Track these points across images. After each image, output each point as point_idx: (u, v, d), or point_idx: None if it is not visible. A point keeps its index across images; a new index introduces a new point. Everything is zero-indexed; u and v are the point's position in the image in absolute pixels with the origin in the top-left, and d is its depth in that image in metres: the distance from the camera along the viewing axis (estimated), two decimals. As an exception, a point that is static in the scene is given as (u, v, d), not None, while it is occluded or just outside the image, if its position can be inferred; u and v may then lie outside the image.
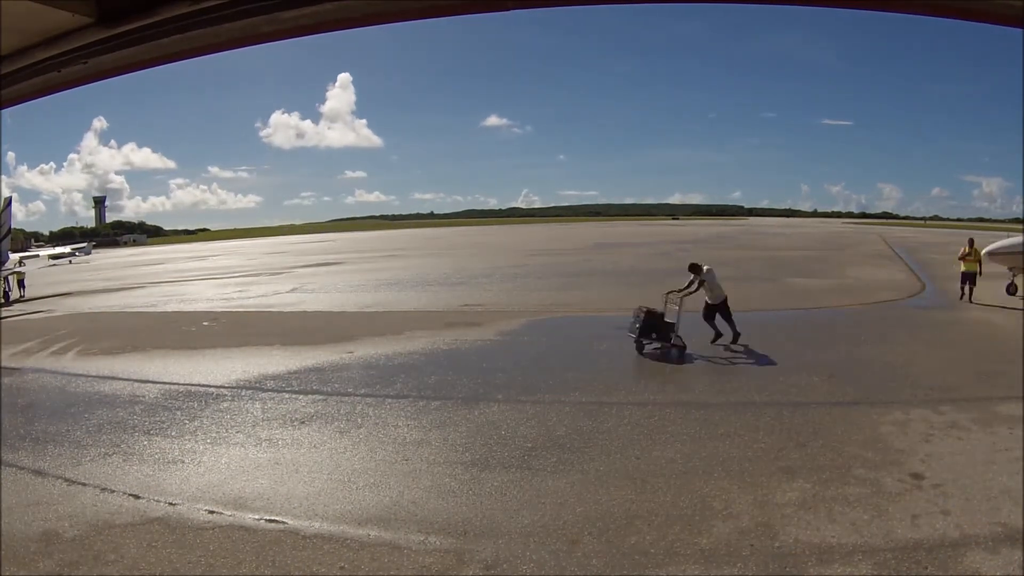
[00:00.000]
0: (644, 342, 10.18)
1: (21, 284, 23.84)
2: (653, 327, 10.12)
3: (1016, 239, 15.59)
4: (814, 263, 26.33)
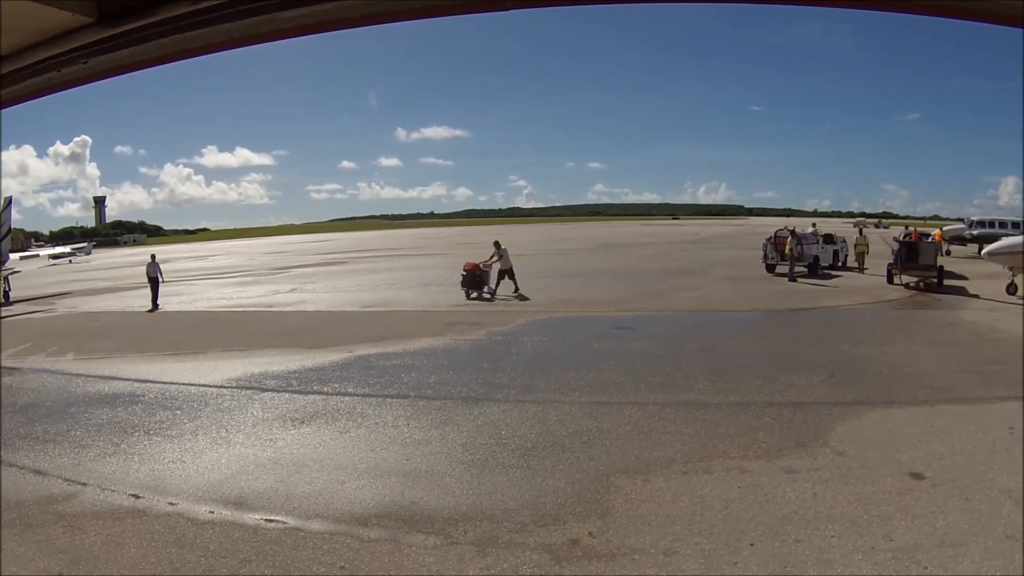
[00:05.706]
0: (470, 292, 16.91)
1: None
2: (474, 280, 16.97)
3: (1016, 239, 15.61)
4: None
